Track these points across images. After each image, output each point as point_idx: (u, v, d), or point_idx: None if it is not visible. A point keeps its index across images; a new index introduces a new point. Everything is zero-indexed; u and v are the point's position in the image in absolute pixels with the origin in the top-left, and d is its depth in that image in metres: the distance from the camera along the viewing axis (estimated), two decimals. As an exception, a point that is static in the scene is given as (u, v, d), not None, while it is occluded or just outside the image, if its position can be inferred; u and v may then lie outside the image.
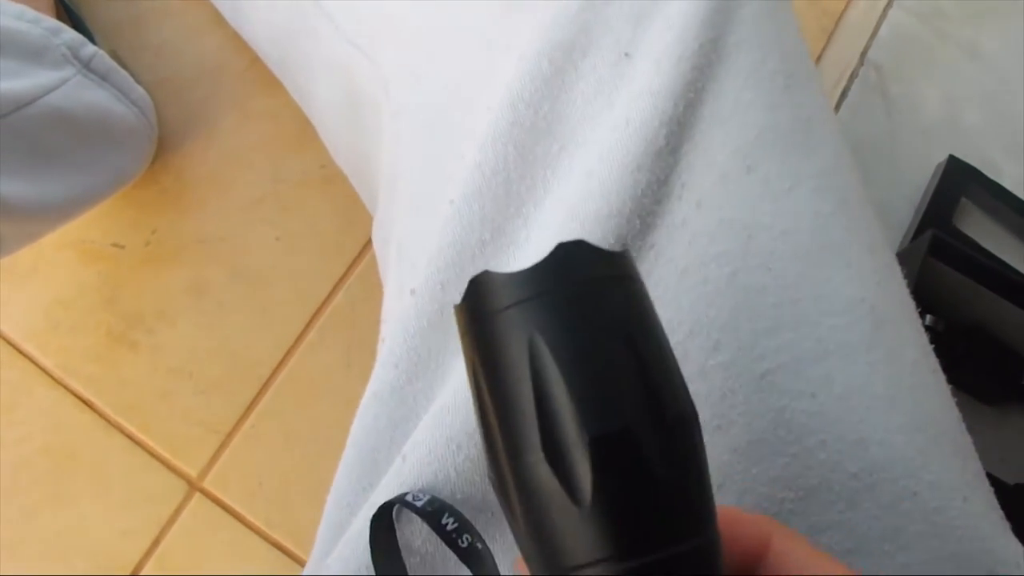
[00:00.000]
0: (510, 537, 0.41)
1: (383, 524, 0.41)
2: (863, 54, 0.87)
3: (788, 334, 0.43)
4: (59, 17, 0.97)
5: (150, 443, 0.96)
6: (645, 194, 0.44)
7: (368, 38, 0.57)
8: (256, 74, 1.02)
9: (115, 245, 0.99)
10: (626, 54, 0.46)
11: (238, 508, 0.95)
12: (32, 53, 0.85)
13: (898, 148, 0.86)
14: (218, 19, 1.01)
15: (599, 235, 0.42)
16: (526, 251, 0.43)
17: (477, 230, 0.44)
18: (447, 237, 0.44)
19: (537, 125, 0.45)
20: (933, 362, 0.48)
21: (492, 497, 0.41)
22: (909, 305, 0.49)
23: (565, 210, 0.43)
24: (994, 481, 0.48)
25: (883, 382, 0.44)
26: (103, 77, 0.91)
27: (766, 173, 0.45)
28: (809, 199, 0.46)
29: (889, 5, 0.89)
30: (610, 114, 0.45)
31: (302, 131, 0.99)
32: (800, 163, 0.47)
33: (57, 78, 0.85)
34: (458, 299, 0.44)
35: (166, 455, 0.96)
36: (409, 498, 0.40)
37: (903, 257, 0.79)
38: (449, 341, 0.44)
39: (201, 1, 1.02)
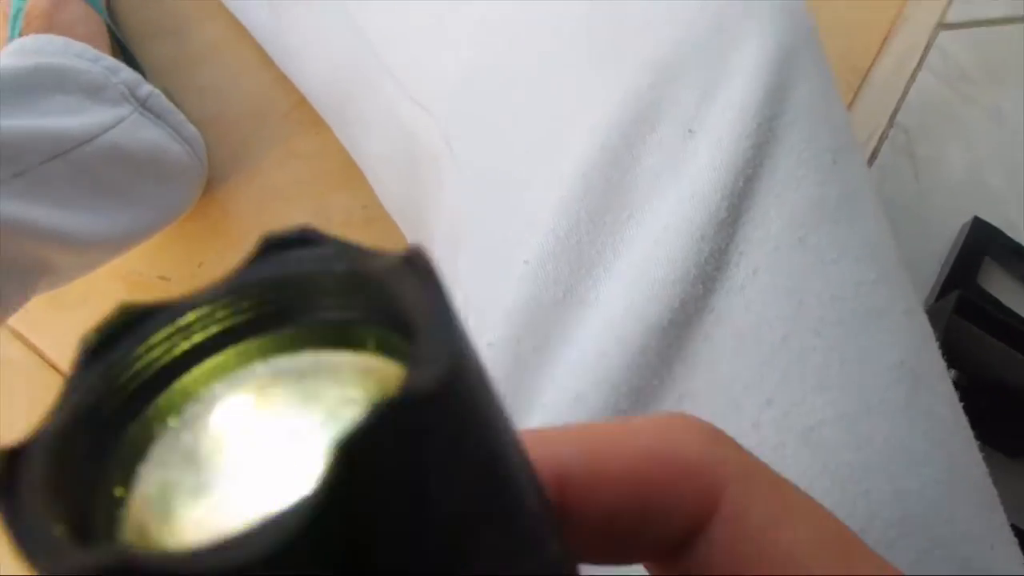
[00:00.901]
0: None
1: None
2: (892, 117, 0.90)
3: (835, 392, 0.47)
4: (114, 55, 1.00)
5: (191, 471, 0.98)
6: (708, 261, 0.47)
7: (432, 97, 0.59)
8: (301, 115, 1.06)
9: (162, 277, 1.02)
10: (690, 131, 0.49)
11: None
12: (92, 91, 0.89)
13: (925, 208, 0.89)
14: (264, 61, 1.04)
15: (665, 300, 0.45)
16: (596, 310, 0.46)
17: (551, 289, 0.47)
18: (522, 295, 0.47)
19: (608, 194, 0.48)
20: (963, 418, 0.51)
21: None
22: (940, 364, 0.52)
23: (634, 275, 0.46)
24: (1017, 531, 0.51)
25: (920, 437, 0.47)
26: (158, 116, 0.94)
27: (816, 244, 0.49)
28: (854, 268, 0.49)
29: (918, 68, 0.93)
30: (676, 186, 0.48)
31: (345, 171, 1.02)
32: (846, 235, 0.50)
33: (115, 116, 0.88)
34: (531, 350, 0.47)
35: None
36: None
37: (931, 315, 0.81)
38: (520, 391, 0.46)
39: (247, 43, 1.06)
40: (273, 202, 1.05)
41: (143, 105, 0.93)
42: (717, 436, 0.22)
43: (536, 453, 0.19)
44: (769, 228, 0.48)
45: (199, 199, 1.02)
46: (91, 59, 0.92)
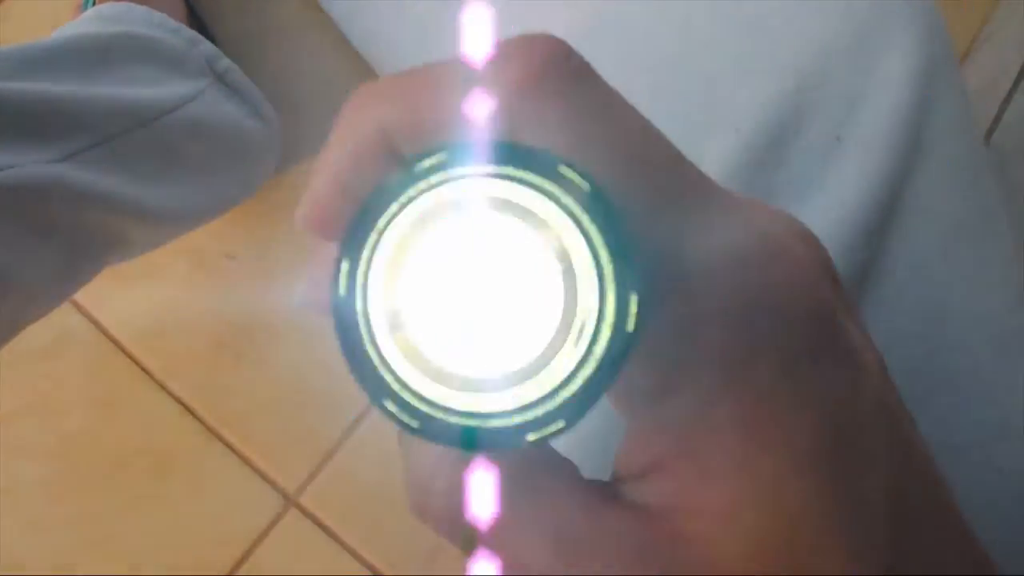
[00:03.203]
0: None
1: None
2: (987, 137, 0.88)
3: (978, 414, 0.46)
4: (190, 27, 0.98)
5: (249, 454, 0.97)
6: (853, 274, 0.45)
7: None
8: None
9: (228, 256, 1.00)
10: (837, 138, 0.47)
11: (333, 526, 0.96)
12: (173, 62, 0.87)
13: (1019, 232, 0.87)
14: (340, 42, 1.02)
15: None
16: None
17: None
18: None
19: (752, 196, 0.47)
20: None
21: None
22: None
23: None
24: None
25: None
26: (235, 91, 0.93)
27: (960, 260, 0.47)
28: (997, 286, 0.48)
29: (1014, 89, 0.91)
30: (821, 194, 0.46)
31: (419, 158, 1.00)
32: (988, 251, 0.49)
33: (195, 89, 0.87)
34: None
35: (264, 468, 0.97)
36: None
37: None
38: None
39: (324, 23, 1.04)
40: (343, 186, 1.03)
41: (221, 79, 0.92)
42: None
43: None
44: (914, 241, 0.47)
45: (268, 179, 1.00)
46: (172, 30, 0.90)
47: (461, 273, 0.21)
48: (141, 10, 0.90)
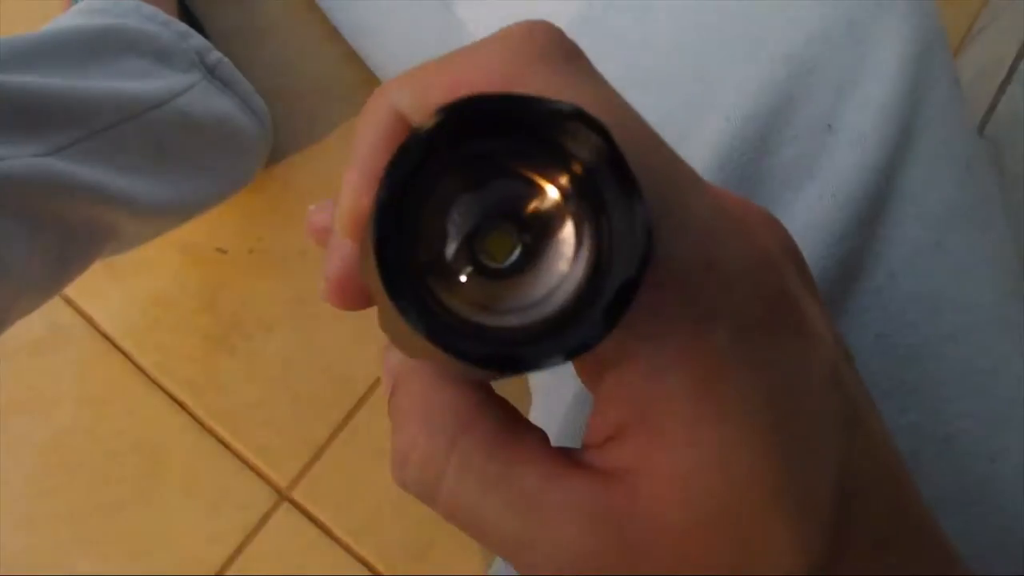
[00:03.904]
0: None
1: None
2: (980, 128, 0.88)
3: (970, 403, 0.45)
4: (181, 21, 0.98)
5: (241, 450, 0.97)
6: (845, 263, 0.45)
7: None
8: (368, 93, 1.04)
9: (219, 250, 1.00)
10: (828, 126, 0.47)
11: (326, 521, 0.96)
12: (163, 55, 0.87)
13: (1013, 223, 0.87)
14: (331, 35, 1.02)
15: None
16: None
17: None
18: None
19: (741, 187, 0.47)
20: None
21: None
22: None
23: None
24: None
25: None
26: (226, 84, 0.92)
27: (953, 249, 0.47)
28: (990, 275, 0.48)
29: (1007, 80, 0.90)
30: (812, 183, 0.46)
31: (410, 152, 1.00)
32: (981, 241, 0.49)
33: (185, 82, 0.87)
34: None
35: (257, 463, 0.97)
36: None
37: None
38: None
39: (314, 16, 1.04)
40: (334, 180, 1.02)
41: (212, 72, 0.91)
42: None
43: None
44: (906, 230, 0.47)
45: (260, 172, 1.00)
46: (162, 23, 0.90)
47: (483, 220, 0.22)
48: (131, 3, 0.90)
